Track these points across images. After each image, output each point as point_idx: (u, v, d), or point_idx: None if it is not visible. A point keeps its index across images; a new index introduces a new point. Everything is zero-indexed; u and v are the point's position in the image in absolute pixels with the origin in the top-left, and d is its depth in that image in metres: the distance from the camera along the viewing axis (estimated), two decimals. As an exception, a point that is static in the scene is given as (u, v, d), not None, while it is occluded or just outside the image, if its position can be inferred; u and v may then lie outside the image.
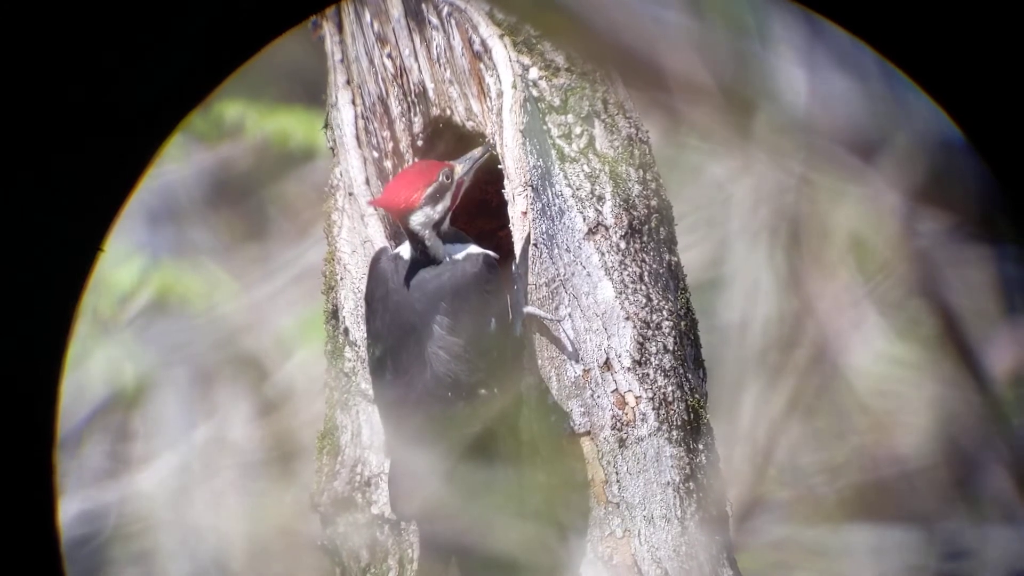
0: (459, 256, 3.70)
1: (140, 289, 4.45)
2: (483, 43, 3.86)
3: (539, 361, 3.76)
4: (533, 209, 3.76)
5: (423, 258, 3.69)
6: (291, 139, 4.70)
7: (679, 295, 3.86)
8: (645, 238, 3.84)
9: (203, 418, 4.33)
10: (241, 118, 4.66)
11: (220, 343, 4.34)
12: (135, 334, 4.40)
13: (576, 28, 3.70)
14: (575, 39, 3.78)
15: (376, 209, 3.87)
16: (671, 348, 3.80)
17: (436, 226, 3.68)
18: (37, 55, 3.41)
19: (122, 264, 4.45)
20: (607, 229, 3.81)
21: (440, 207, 3.69)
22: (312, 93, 4.41)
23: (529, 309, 3.74)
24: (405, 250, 3.72)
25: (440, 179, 3.69)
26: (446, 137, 3.97)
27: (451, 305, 3.67)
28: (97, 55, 3.43)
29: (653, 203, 3.87)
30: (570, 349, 3.76)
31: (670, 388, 3.78)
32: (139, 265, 4.47)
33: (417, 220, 3.68)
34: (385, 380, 3.70)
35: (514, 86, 3.81)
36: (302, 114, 4.71)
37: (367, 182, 3.91)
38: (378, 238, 3.86)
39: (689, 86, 3.70)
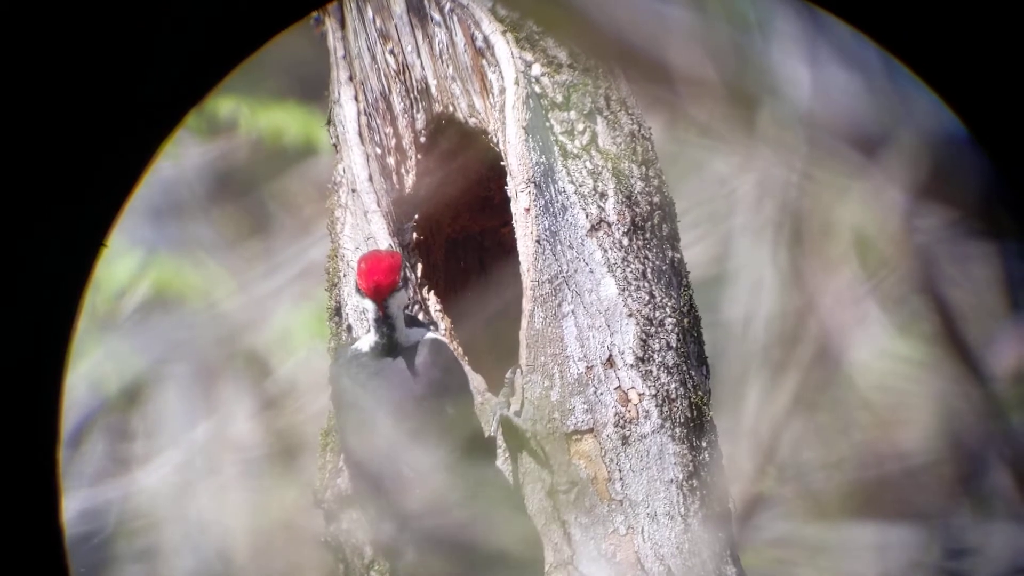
0: (417, 340, 3.68)
1: (137, 284, 4.44)
2: (485, 39, 3.86)
3: (542, 358, 3.76)
4: (536, 206, 3.75)
5: (386, 344, 3.66)
6: (285, 135, 4.70)
7: (682, 292, 3.86)
8: (648, 235, 3.84)
9: (206, 414, 4.32)
10: (235, 114, 4.66)
11: (223, 340, 4.33)
12: (132, 330, 4.39)
13: (578, 24, 3.69)
14: (577, 35, 3.77)
15: (378, 203, 3.83)
16: (674, 345, 3.80)
17: (404, 309, 3.67)
18: (38, 53, 3.40)
19: (119, 259, 4.44)
20: (610, 226, 3.80)
21: (408, 291, 3.70)
22: (307, 88, 4.40)
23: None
24: (363, 342, 3.69)
25: (403, 264, 3.68)
26: (448, 133, 3.96)
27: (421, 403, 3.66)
28: (98, 52, 3.42)
29: (656, 199, 3.86)
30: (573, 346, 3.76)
31: (673, 385, 3.78)
32: (136, 260, 4.46)
33: (395, 303, 3.65)
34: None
35: (516, 82, 3.81)
36: (296, 109, 4.70)
37: (370, 178, 3.90)
38: (381, 235, 3.85)
39: (691, 82, 3.70)
